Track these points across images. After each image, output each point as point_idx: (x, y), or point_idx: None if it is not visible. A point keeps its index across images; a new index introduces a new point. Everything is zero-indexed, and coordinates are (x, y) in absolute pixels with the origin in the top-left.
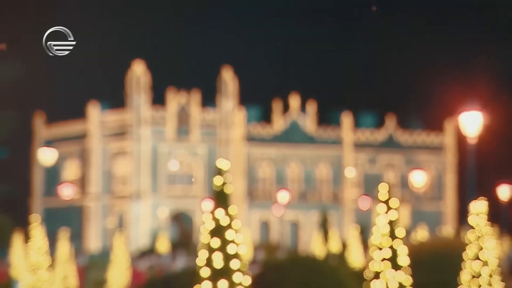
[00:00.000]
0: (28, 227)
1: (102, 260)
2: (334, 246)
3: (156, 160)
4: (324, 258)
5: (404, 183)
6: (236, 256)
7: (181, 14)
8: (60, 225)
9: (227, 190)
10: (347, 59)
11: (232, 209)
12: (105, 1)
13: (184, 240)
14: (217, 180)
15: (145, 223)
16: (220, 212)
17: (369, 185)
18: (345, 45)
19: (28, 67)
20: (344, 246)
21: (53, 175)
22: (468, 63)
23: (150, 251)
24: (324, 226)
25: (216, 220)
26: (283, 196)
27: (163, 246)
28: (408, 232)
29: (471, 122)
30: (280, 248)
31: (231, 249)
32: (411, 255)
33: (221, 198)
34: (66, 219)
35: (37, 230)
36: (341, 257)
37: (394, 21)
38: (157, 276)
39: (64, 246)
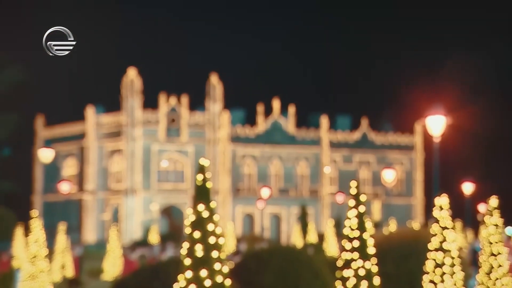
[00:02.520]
0: (29, 221)
1: (97, 250)
2: (312, 238)
3: (148, 158)
4: (301, 248)
5: (376, 179)
6: (216, 246)
7: (172, 25)
8: (59, 219)
9: (208, 185)
10: (326, 66)
11: (212, 203)
12: (101, 11)
13: (174, 232)
14: (199, 177)
15: (138, 216)
16: (201, 206)
17: (345, 182)
18: (323, 53)
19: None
20: (321, 237)
21: (53, 173)
22: (435, 70)
23: (142, 243)
24: (303, 219)
25: (198, 213)
26: (265, 192)
27: (155, 238)
28: (380, 225)
29: (436, 124)
30: (263, 239)
31: (211, 240)
32: (382, 245)
33: (202, 193)
34: (65, 213)
35: (36, 223)
36: (318, 248)
37: (368, 30)
38: (147, 265)
39: (62, 238)
